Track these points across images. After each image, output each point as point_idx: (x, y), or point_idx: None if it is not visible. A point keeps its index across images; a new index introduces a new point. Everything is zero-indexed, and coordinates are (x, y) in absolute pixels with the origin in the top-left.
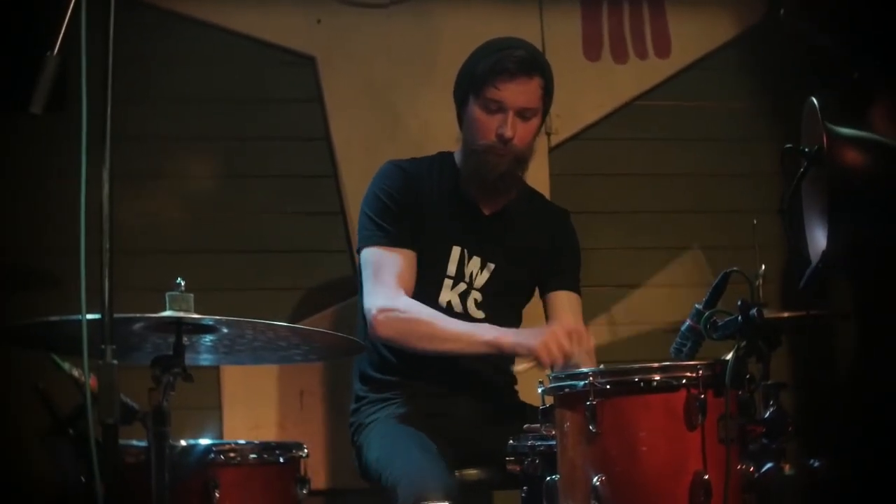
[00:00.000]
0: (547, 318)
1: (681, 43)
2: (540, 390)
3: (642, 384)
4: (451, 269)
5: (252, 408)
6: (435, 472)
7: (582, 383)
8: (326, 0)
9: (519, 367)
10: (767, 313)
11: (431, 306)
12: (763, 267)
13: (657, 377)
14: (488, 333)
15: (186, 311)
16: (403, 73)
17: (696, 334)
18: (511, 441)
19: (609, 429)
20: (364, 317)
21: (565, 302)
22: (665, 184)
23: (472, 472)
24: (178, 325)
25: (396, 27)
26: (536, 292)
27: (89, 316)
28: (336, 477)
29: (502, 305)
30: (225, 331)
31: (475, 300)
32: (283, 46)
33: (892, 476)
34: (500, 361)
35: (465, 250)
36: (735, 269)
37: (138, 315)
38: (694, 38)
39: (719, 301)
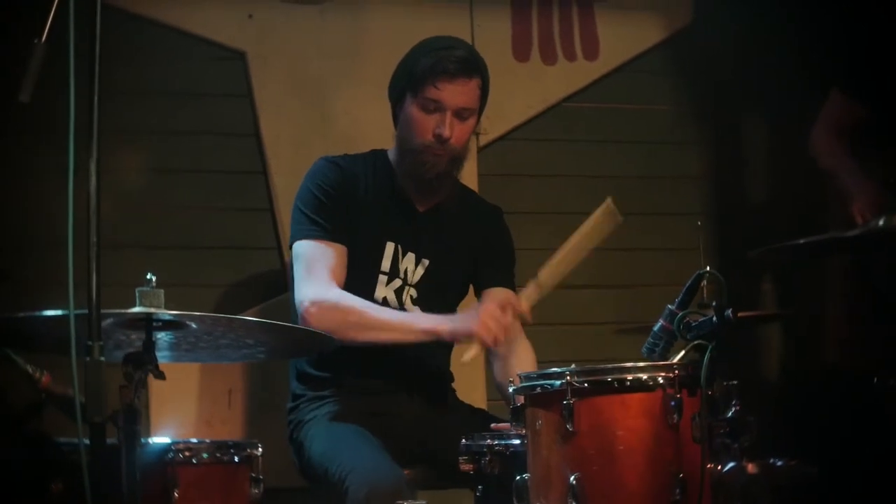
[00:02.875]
0: None
1: (609, 46)
2: (511, 389)
3: (620, 384)
4: (386, 265)
5: (179, 407)
6: (385, 465)
7: (559, 382)
8: None
9: (466, 356)
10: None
11: None
12: (708, 268)
13: (634, 377)
14: (424, 321)
15: (157, 307)
16: (335, 69)
17: (668, 335)
18: (464, 441)
19: (586, 428)
20: (296, 311)
21: (500, 297)
22: (592, 185)
23: (412, 471)
24: (148, 320)
25: (328, 24)
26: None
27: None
28: (270, 476)
29: (437, 301)
30: (194, 327)
31: (411, 296)
32: (214, 41)
33: (856, 473)
34: (437, 359)
35: (400, 246)
36: (708, 269)
37: (111, 311)
38: (622, 41)
39: (692, 302)
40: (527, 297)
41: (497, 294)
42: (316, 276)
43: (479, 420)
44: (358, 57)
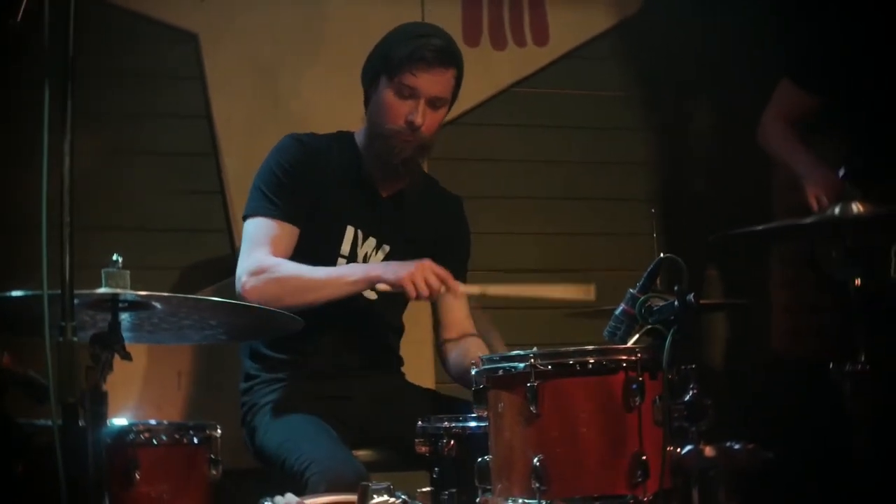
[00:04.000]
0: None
1: (558, 31)
2: (473, 371)
3: (582, 366)
4: (346, 248)
5: (128, 390)
6: (344, 458)
7: (522, 365)
8: None
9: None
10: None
11: None
12: (662, 255)
13: (597, 360)
14: (357, 272)
15: (123, 287)
16: (287, 52)
17: (630, 318)
18: (420, 423)
19: (549, 410)
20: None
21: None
22: (540, 170)
23: (366, 454)
24: (114, 301)
25: (281, 6)
26: None
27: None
28: (224, 457)
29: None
30: (159, 308)
31: None
32: (166, 22)
33: (811, 458)
34: (388, 341)
35: (360, 231)
36: (669, 255)
37: (81, 292)
38: (572, 27)
39: (651, 286)
40: (466, 288)
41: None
42: (258, 251)
43: (430, 401)
44: (310, 39)
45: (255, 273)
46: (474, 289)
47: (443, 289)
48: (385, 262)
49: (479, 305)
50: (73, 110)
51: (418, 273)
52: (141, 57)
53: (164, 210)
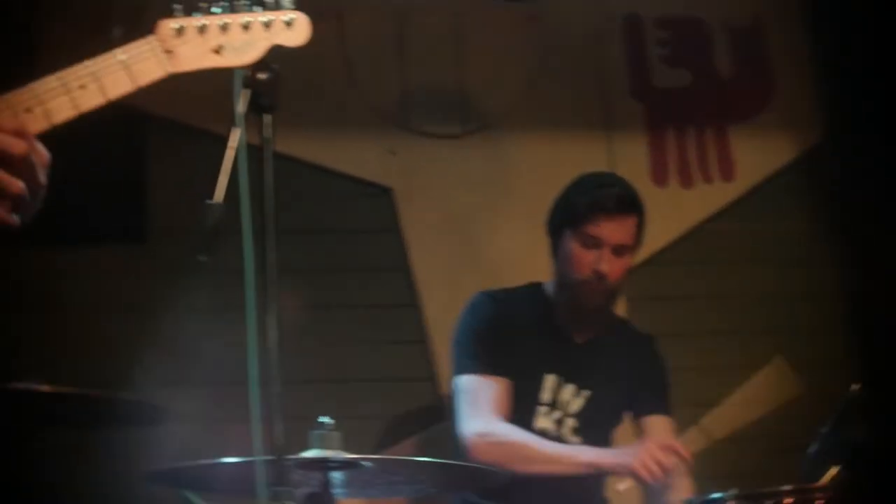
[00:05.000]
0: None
1: (744, 166)
2: None
3: None
4: (546, 396)
5: None
6: None
7: None
8: (401, 132)
9: (621, 485)
10: None
11: None
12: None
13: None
14: (587, 454)
15: (333, 449)
16: (479, 202)
17: (822, 456)
18: None
19: None
20: (459, 444)
21: (657, 425)
22: (734, 305)
23: None
24: (325, 464)
25: (469, 156)
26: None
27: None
28: None
29: (596, 430)
30: (368, 466)
31: (570, 427)
32: (359, 178)
33: None
34: (596, 486)
35: (559, 378)
36: (858, 389)
37: (290, 457)
38: (757, 160)
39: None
40: (690, 441)
41: (656, 424)
42: (480, 410)
43: None
44: (501, 188)
45: (483, 436)
46: (696, 437)
47: (674, 462)
48: (612, 450)
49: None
50: (274, 265)
51: (647, 457)
52: (337, 212)
53: (367, 361)
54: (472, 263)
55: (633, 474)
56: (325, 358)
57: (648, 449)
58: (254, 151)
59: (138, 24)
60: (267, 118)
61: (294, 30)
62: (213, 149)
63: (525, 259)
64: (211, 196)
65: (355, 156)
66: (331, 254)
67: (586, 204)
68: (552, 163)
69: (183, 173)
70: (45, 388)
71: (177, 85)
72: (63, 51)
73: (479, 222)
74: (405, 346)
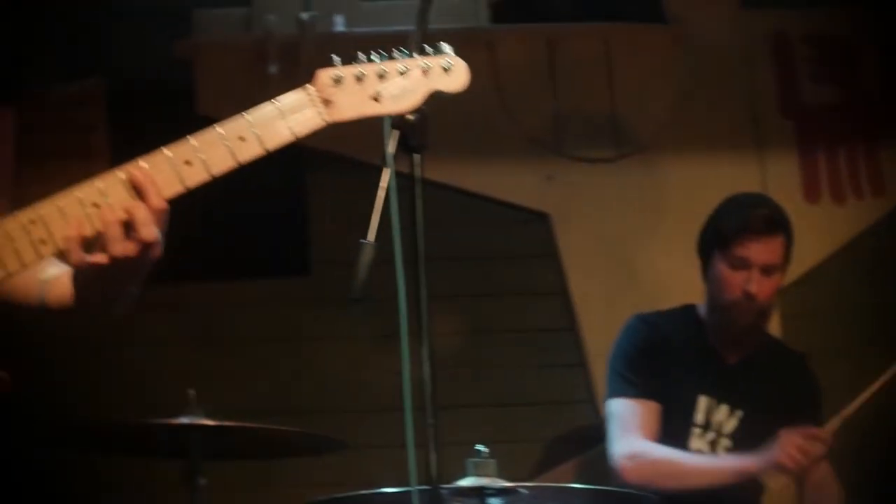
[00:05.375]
0: None
1: (894, 181)
2: None
3: None
4: (699, 417)
5: None
6: None
7: None
8: (556, 157)
9: (774, 483)
10: None
11: None
12: None
13: None
14: (733, 462)
15: (490, 476)
16: (634, 224)
17: None
18: None
19: None
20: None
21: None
22: (888, 319)
23: None
24: (481, 492)
25: (624, 180)
26: None
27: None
28: None
29: (750, 450)
30: (524, 493)
31: (724, 447)
32: (516, 204)
33: None
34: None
35: (712, 399)
36: None
37: (445, 486)
38: None
39: None
40: (830, 426)
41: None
42: (629, 433)
43: None
44: (655, 210)
45: (631, 457)
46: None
47: (818, 446)
48: (753, 455)
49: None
50: (427, 292)
51: (790, 446)
52: (495, 238)
53: (525, 384)
54: (628, 286)
55: (781, 467)
56: (484, 382)
57: (790, 438)
58: (408, 182)
59: (293, 60)
60: (416, 157)
61: (452, 75)
62: (369, 179)
63: (682, 280)
64: (366, 232)
65: (511, 182)
66: (489, 280)
67: (733, 226)
68: (705, 183)
69: (341, 205)
70: (209, 422)
71: None
72: (221, 86)
73: (635, 245)
74: (563, 370)
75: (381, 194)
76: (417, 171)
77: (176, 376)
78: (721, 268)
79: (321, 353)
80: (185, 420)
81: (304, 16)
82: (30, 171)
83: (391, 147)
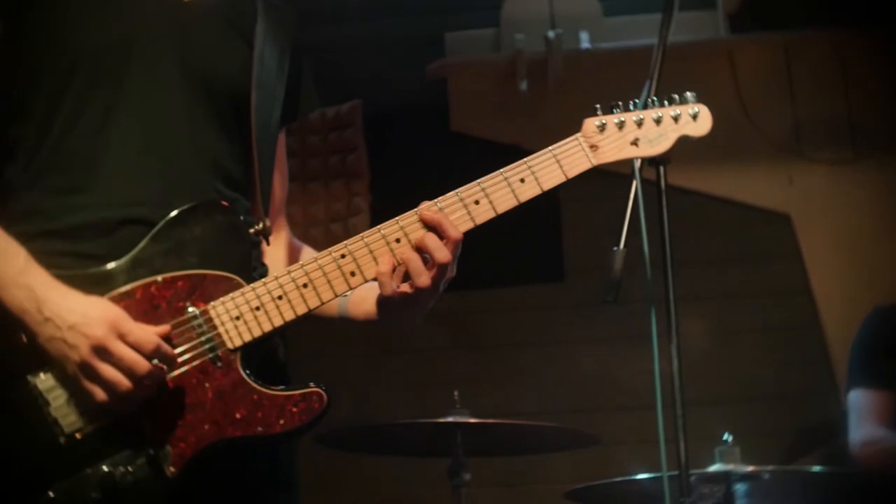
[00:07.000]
0: None
1: None
2: None
3: None
4: None
5: None
6: None
7: None
8: (797, 160)
9: None
10: None
11: None
12: None
13: None
14: None
15: (735, 463)
16: (872, 223)
17: None
18: None
19: None
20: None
21: None
22: None
23: None
24: (727, 477)
25: (861, 180)
26: None
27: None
28: None
29: None
30: (767, 478)
31: None
32: (757, 206)
33: None
34: None
35: None
36: None
37: (695, 471)
38: None
39: None
40: None
41: None
42: (864, 422)
43: None
44: (894, 209)
45: (868, 444)
46: None
47: None
48: None
49: None
50: (676, 295)
51: None
52: (739, 240)
53: (771, 380)
54: (869, 282)
55: None
56: (732, 379)
57: None
58: (654, 191)
59: (541, 76)
60: (660, 169)
61: (699, 122)
62: (616, 189)
63: None
64: (614, 240)
65: (754, 185)
66: (734, 280)
67: None
68: None
69: (592, 214)
70: (472, 419)
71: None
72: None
73: (874, 242)
74: (808, 366)
75: (630, 205)
76: (662, 183)
77: (441, 380)
78: None
79: (575, 354)
80: (450, 419)
81: (551, 34)
82: (295, 191)
83: (638, 161)
